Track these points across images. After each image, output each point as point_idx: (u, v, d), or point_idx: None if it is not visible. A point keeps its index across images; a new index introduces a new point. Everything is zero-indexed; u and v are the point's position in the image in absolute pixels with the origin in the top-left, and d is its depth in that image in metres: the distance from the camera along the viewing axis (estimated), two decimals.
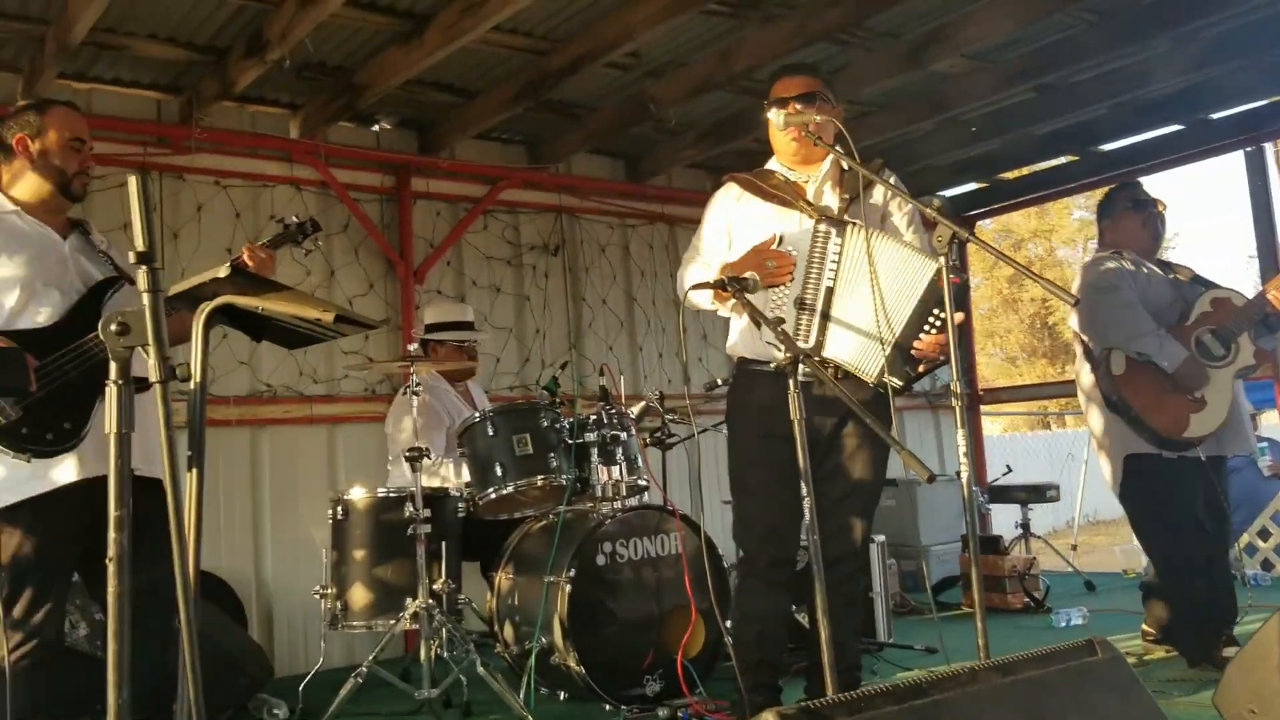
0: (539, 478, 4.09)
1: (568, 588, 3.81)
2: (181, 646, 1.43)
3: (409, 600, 3.90)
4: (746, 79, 5.49)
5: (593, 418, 4.16)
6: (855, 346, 3.15)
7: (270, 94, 5.59)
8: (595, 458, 4.11)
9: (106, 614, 3.06)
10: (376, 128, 6.02)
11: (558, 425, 4.16)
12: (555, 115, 6.10)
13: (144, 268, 1.46)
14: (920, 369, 3.15)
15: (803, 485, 2.68)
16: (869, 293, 3.09)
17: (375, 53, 5.10)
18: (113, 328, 1.45)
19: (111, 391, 1.48)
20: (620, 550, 4.01)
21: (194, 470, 1.79)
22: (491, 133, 6.23)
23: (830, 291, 3.16)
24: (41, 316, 2.94)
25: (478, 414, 4.22)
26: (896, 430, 2.95)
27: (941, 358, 3.09)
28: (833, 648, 2.65)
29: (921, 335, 3.07)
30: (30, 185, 3.05)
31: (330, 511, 4.15)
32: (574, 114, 6.11)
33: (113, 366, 1.46)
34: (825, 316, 3.17)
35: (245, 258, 3.22)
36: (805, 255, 3.18)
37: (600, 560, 3.95)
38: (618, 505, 4.13)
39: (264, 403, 5.46)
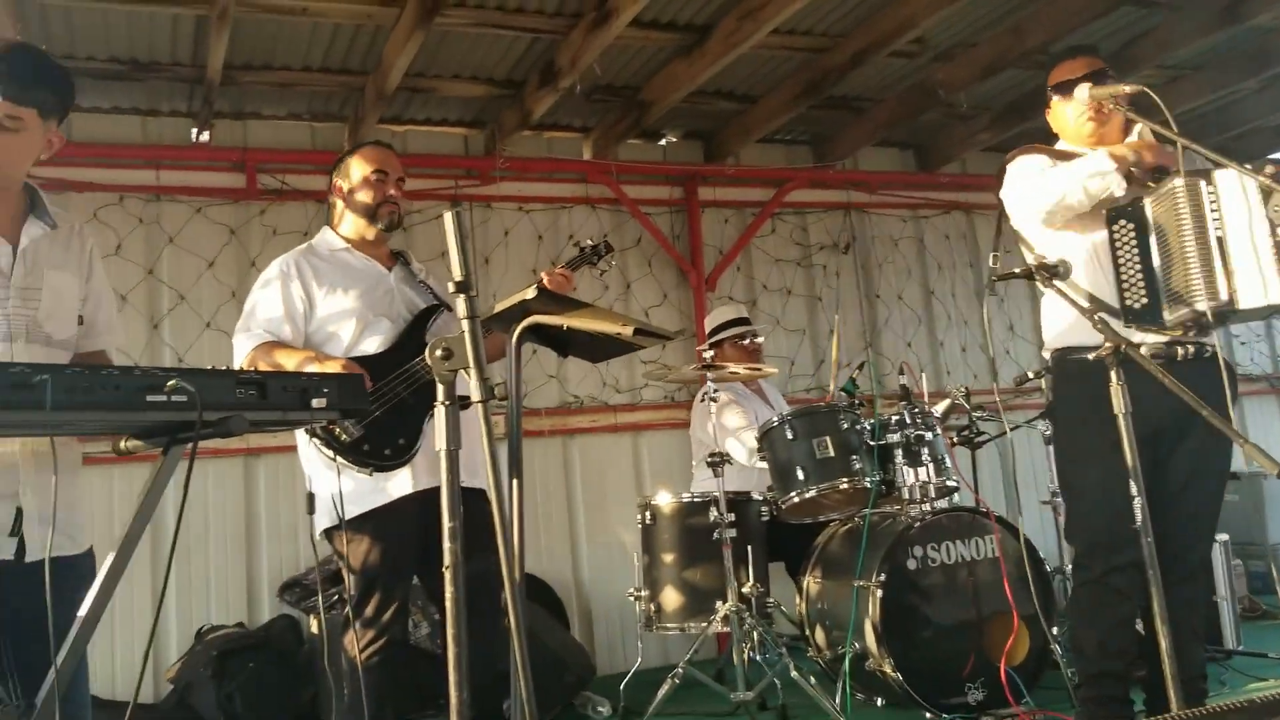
0: (842, 481, 4.02)
1: (879, 592, 3.73)
2: (512, 647, 1.52)
3: (719, 603, 3.96)
4: (1041, 54, 5.16)
5: (895, 418, 4.05)
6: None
7: (564, 119, 5.86)
8: (900, 459, 4.00)
9: (443, 614, 3.34)
10: (663, 141, 6.17)
11: (858, 427, 4.08)
12: (838, 111, 6.01)
13: (462, 296, 1.56)
14: None
15: (1131, 484, 2.49)
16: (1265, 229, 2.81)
17: (659, 68, 5.23)
18: (438, 353, 1.56)
19: (440, 412, 1.59)
20: (932, 554, 3.88)
21: (515, 480, 1.90)
22: (775, 135, 6.23)
23: (1221, 241, 2.89)
24: (374, 344, 3.23)
25: (775, 418, 4.21)
26: (1237, 419, 2.67)
27: None
28: (1175, 656, 2.44)
29: None
30: (350, 223, 3.36)
31: (639, 516, 4.28)
32: (857, 108, 6.00)
33: (440, 389, 1.57)
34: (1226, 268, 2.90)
35: (545, 281, 3.37)
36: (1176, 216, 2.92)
37: (911, 564, 3.84)
38: (926, 508, 3.99)
39: (572, 413, 5.72)
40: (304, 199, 5.33)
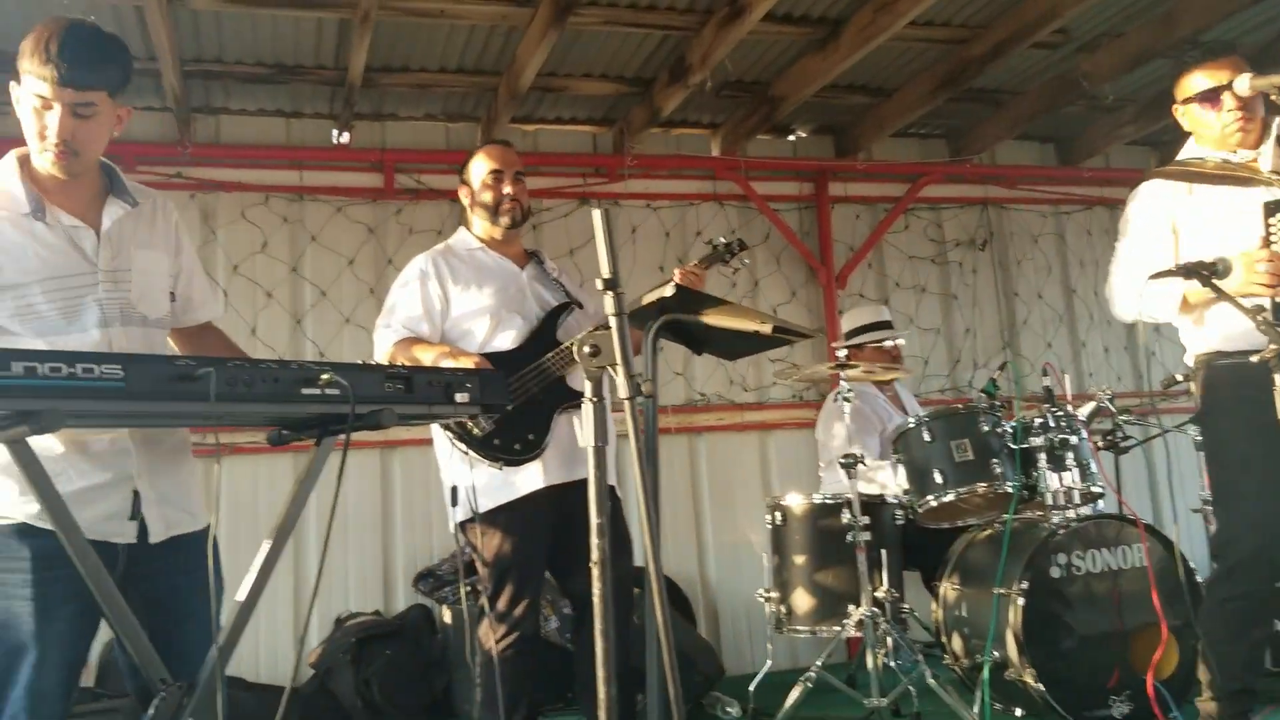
0: (980, 485, 3.90)
1: (1020, 600, 3.60)
2: (653, 643, 1.51)
3: (851, 607, 3.88)
4: (1192, 43, 4.93)
5: (1038, 421, 3.91)
6: None
7: (692, 116, 5.83)
8: (1043, 463, 3.86)
9: (575, 608, 3.36)
10: (793, 137, 6.09)
11: (999, 430, 3.95)
12: (976, 104, 5.84)
13: (610, 293, 1.55)
14: None
15: None
16: None
17: (790, 63, 5.17)
18: (585, 349, 1.56)
19: (587, 408, 1.58)
20: (1076, 562, 3.72)
21: (650, 476, 1.88)
22: (909, 129, 6.09)
23: None
24: (506, 340, 3.27)
25: (912, 419, 4.11)
26: None
27: None
28: None
29: None
30: (480, 223, 3.42)
31: (768, 516, 4.23)
32: (997, 100, 5.82)
33: (587, 385, 1.57)
34: None
35: (678, 278, 3.36)
36: None
37: (1055, 572, 3.70)
38: (1070, 514, 3.84)
39: (699, 411, 5.70)
40: (439, 198, 5.43)
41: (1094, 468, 3.98)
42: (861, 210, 6.17)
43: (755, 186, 5.85)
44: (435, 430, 3.27)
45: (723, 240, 3.73)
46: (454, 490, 3.10)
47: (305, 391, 1.95)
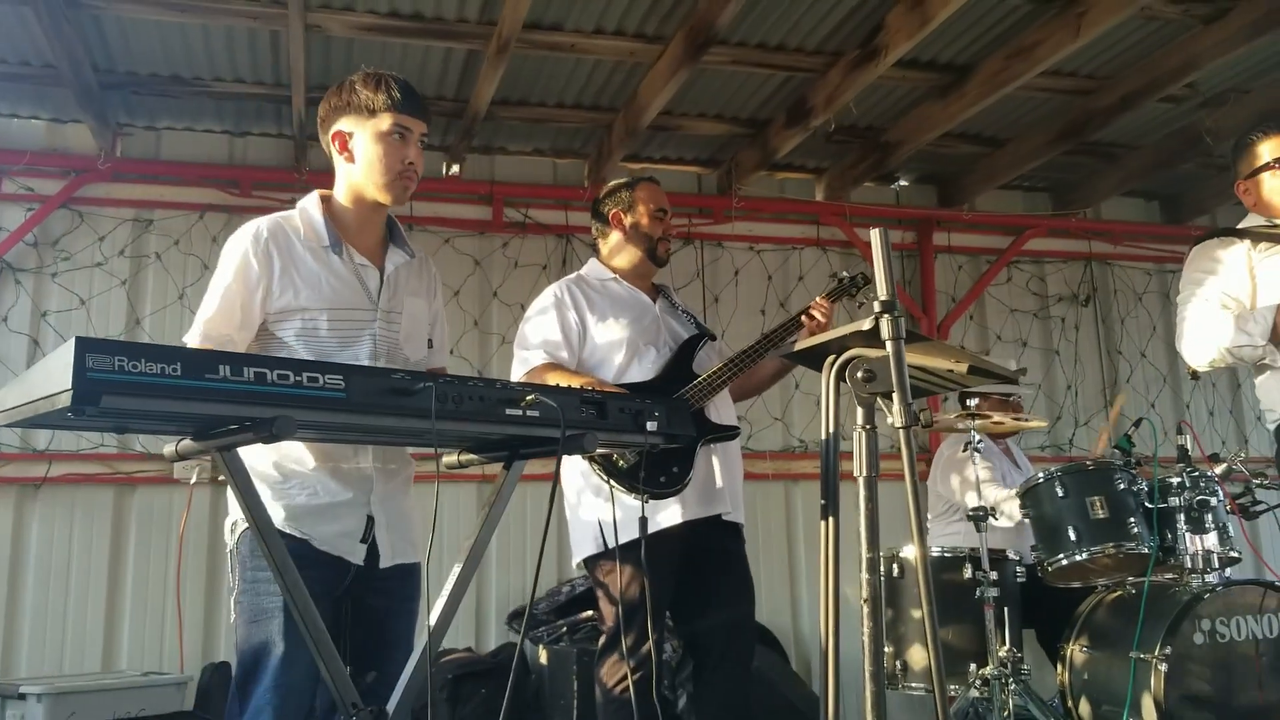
0: (1114, 545, 3.77)
1: (1163, 667, 3.45)
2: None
3: (973, 665, 3.75)
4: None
5: (1175, 480, 3.77)
6: None
7: (797, 160, 5.79)
8: (1182, 524, 3.72)
9: (695, 653, 3.26)
10: (896, 185, 6.03)
11: (1135, 488, 3.82)
12: (1087, 157, 5.75)
13: (886, 316, 1.49)
14: None
15: None
16: None
17: (908, 109, 5.11)
18: (859, 375, 1.49)
19: (860, 436, 1.52)
20: (1220, 629, 3.57)
21: (829, 519, 1.78)
22: (1013, 181, 6.01)
23: None
24: (642, 371, 3.22)
25: (1041, 475, 3.99)
26: None
27: None
28: None
29: None
30: (626, 254, 3.35)
31: (884, 569, 4.11)
32: (1110, 154, 5.73)
33: (860, 412, 1.49)
34: None
35: (814, 313, 3.31)
36: None
37: (1198, 639, 3.54)
38: (1210, 578, 3.69)
39: (795, 458, 5.61)
40: (544, 233, 5.42)
41: (1232, 530, 3.84)
42: (964, 260, 6.08)
43: (859, 233, 5.79)
44: (570, 463, 3.21)
45: (846, 274, 3.67)
46: (599, 524, 3.04)
47: (509, 412, 1.90)
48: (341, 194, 2.32)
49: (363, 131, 2.25)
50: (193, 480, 4.39)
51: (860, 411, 1.51)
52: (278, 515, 2.07)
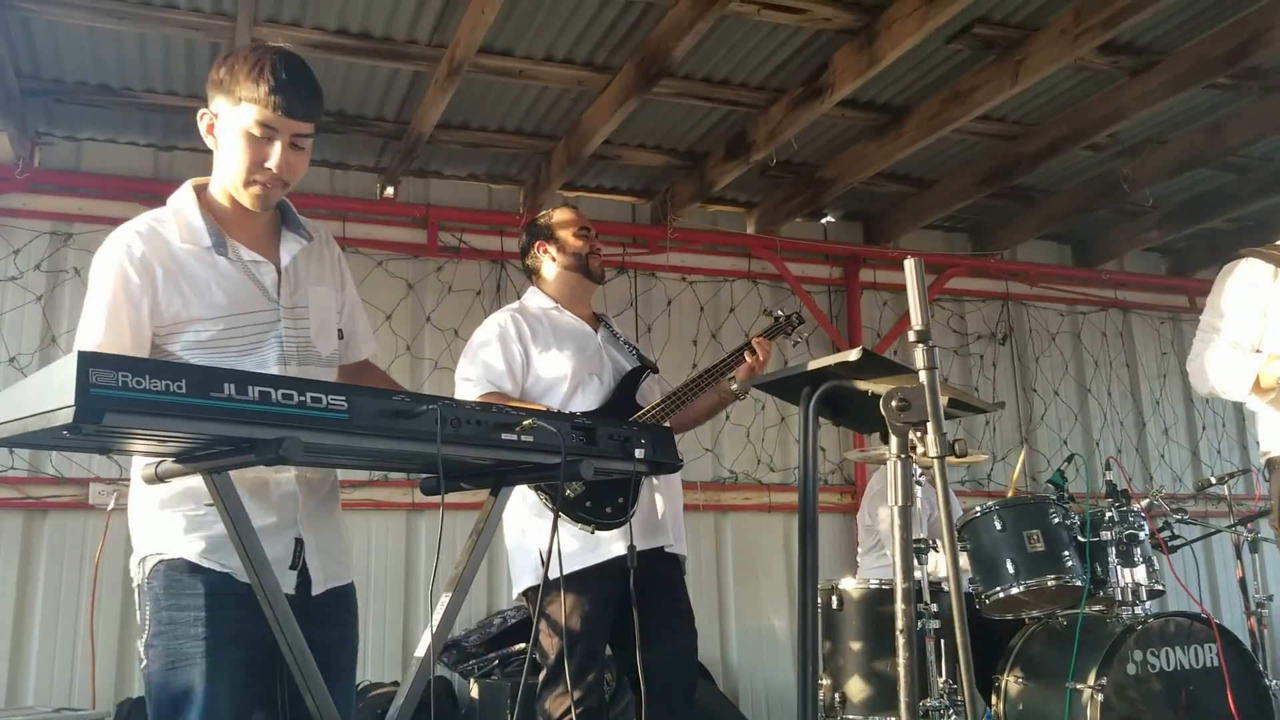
0: (1051, 577, 3.86)
1: (1099, 696, 3.53)
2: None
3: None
4: (1235, 154, 5.11)
5: (1107, 514, 3.89)
6: None
7: (729, 194, 5.84)
8: (1113, 558, 3.83)
9: (634, 684, 3.22)
10: (824, 221, 6.14)
11: (1069, 522, 3.92)
12: (1008, 201, 5.95)
13: (921, 346, 1.50)
14: None
15: None
16: None
17: (843, 147, 5.22)
18: (894, 404, 1.50)
19: (893, 465, 1.51)
20: (1151, 659, 3.68)
21: (810, 545, 1.78)
22: (935, 221, 6.17)
23: None
24: (584, 402, 3.18)
25: (979, 508, 4.07)
26: None
27: None
28: None
29: None
30: (561, 278, 3.31)
31: (822, 600, 4.13)
32: (1029, 198, 5.93)
33: (893, 441, 1.50)
34: None
35: (757, 349, 3.32)
36: None
37: (1131, 669, 3.64)
38: (1138, 610, 3.81)
39: (726, 489, 5.62)
40: (479, 257, 5.36)
41: (1156, 564, 3.97)
42: (889, 297, 6.21)
43: (790, 267, 5.87)
44: (515, 492, 3.15)
45: (781, 313, 3.68)
46: (540, 553, 3.00)
47: (504, 437, 1.85)
48: (215, 183, 2.02)
49: (228, 120, 1.94)
50: (110, 506, 4.18)
51: (894, 441, 1.51)
52: (195, 548, 1.87)
